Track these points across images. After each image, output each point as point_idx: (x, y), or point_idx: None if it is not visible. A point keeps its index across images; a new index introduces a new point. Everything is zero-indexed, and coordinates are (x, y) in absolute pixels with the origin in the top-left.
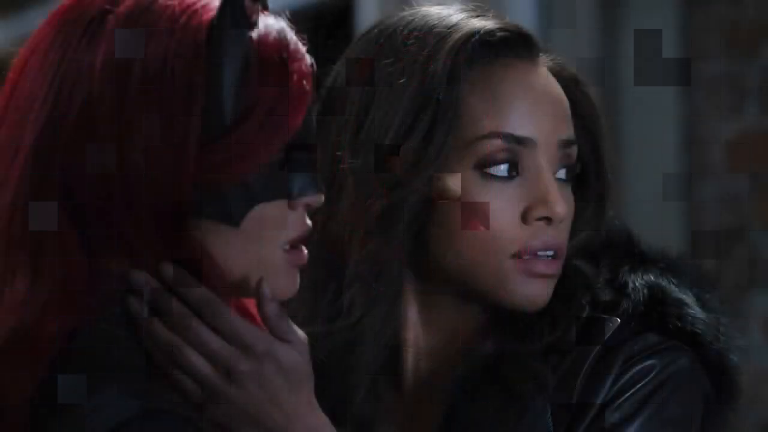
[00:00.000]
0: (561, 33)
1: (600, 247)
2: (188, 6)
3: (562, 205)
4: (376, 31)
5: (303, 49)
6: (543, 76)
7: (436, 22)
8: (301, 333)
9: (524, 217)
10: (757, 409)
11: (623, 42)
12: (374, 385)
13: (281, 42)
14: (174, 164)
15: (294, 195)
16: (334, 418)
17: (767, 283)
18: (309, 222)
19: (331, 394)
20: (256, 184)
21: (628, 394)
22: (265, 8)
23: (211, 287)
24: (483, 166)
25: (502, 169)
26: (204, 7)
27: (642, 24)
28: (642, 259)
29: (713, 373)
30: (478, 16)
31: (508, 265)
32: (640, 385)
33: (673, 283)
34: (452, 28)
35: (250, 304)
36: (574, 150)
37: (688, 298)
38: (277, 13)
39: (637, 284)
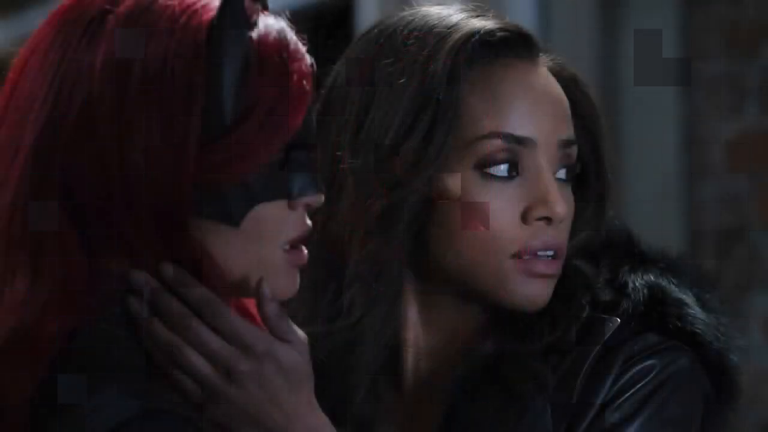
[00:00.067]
0: (561, 33)
1: (600, 247)
2: (188, 6)
3: (562, 205)
4: (376, 31)
5: (303, 49)
6: (543, 76)
7: (436, 22)
8: (301, 333)
9: (524, 217)
10: (757, 409)
11: (623, 42)
12: (374, 385)
13: (281, 42)
14: (174, 164)
15: (294, 195)
16: (334, 418)
17: (767, 283)
18: (309, 222)
19: (331, 394)
20: (256, 184)
21: (628, 394)
22: (265, 8)
23: (211, 287)
24: (483, 166)
25: (502, 169)
26: (204, 7)
27: (642, 24)
28: (642, 259)
29: (713, 373)
30: (478, 16)
31: (508, 265)
32: (640, 385)
33: (673, 283)
34: (452, 28)
35: (250, 304)
36: (574, 150)
37: (688, 298)
38: (277, 13)
39: (637, 284)
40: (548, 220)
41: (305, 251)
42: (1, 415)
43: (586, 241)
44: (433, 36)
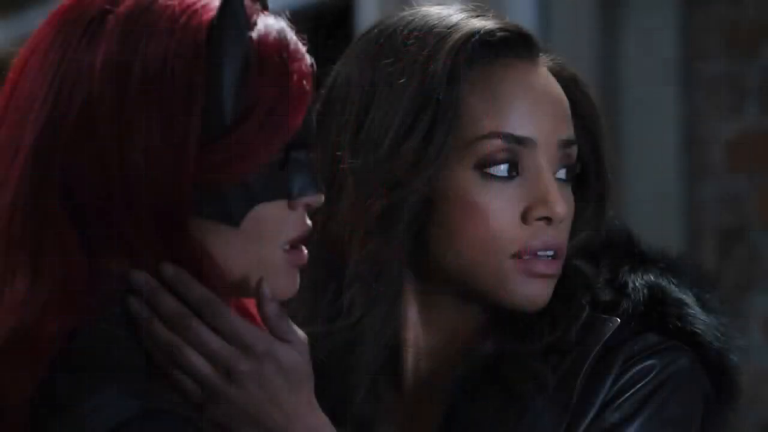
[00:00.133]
0: (561, 33)
1: (600, 247)
2: (188, 6)
3: (562, 205)
4: (376, 31)
5: (303, 49)
6: (543, 76)
7: (436, 22)
8: (301, 333)
9: (524, 217)
10: (757, 409)
11: (623, 42)
12: (374, 385)
13: (281, 42)
14: (174, 164)
15: (294, 195)
16: (334, 418)
17: (767, 283)
18: (309, 222)
19: (331, 394)
20: (256, 184)
21: (628, 394)
22: (265, 8)
23: (211, 287)
24: (483, 166)
25: (502, 169)
26: (204, 7)
27: (642, 24)
28: (642, 259)
29: (713, 373)
30: (478, 16)
31: (508, 265)
32: (640, 385)
33: (673, 283)
34: (452, 28)
35: (250, 304)
36: (574, 150)
37: (688, 298)
38: (277, 13)
39: (637, 284)
40: (548, 220)
41: (305, 251)
42: (1, 415)
43: (586, 241)
44: (433, 36)
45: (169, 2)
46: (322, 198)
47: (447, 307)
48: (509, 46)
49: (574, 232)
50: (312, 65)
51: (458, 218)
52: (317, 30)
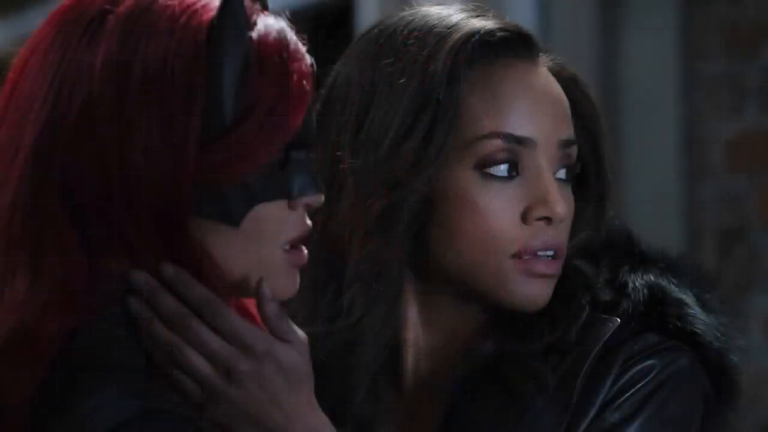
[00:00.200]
0: (561, 33)
1: (600, 247)
2: (188, 6)
3: (562, 205)
4: (376, 31)
5: (303, 49)
6: (543, 76)
7: (436, 22)
8: (301, 333)
9: (524, 217)
10: (757, 409)
11: (623, 42)
12: (374, 385)
13: (281, 42)
14: (174, 164)
15: (294, 195)
16: (334, 418)
17: (767, 283)
18: (309, 222)
19: (331, 394)
20: (256, 184)
21: (628, 394)
22: (265, 8)
23: (211, 287)
24: (483, 166)
25: (502, 169)
26: (204, 7)
27: (642, 24)
28: (642, 259)
29: (713, 373)
30: (478, 16)
31: (508, 265)
32: (640, 385)
33: (673, 283)
34: (452, 28)
35: (250, 304)
36: (574, 150)
37: (688, 298)
38: (277, 13)
39: (637, 284)
40: (548, 220)
41: (305, 251)
42: (1, 415)
43: (586, 241)
44: (433, 36)
45: (169, 2)
46: (322, 198)
47: (447, 307)
48: (509, 46)
49: (574, 232)
50: (312, 65)
51: (458, 218)
52: (317, 30)
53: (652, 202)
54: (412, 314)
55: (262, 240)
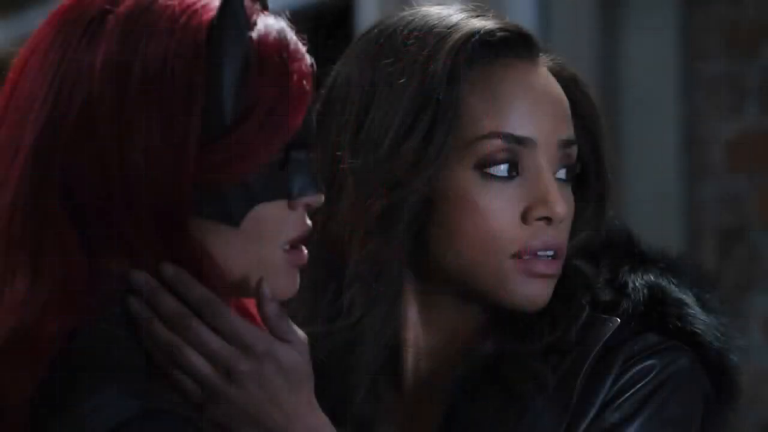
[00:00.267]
0: (561, 33)
1: (600, 247)
2: (188, 6)
3: (562, 205)
4: (376, 31)
5: (303, 49)
6: (543, 76)
7: (436, 22)
8: (301, 333)
9: (524, 217)
10: (757, 409)
11: (623, 42)
12: (374, 385)
13: (281, 42)
14: (174, 164)
15: (294, 195)
16: (334, 418)
17: (767, 283)
18: (309, 222)
19: (331, 394)
20: (256, 184)
21: (628, 394)
22: (265, 8)
23: (211, 287)
24: (483, 166)
25: (502, 169)
26: (204, 7)
27: (642, 24)
28: (642, 259)
29: (713, 373)
30: (478, 16)
31: (508, 265)
32: (640, 385)
33: (673, 283)
34: (452, 28)
35: (250, 304)
36: (574, 150)
37: (688, 298)
38: (277, 13)
39: (637, 284)
40: (548, 220)
41: (305, 251)
42: (1, 415)
43: (586, 241)
44: (433, 36)
45: (169, 2)
46: (322, 198)
47: (447, 307)
48: (509, 46)
49: (574, 232)
50: (312, 65)
51: (458, 218)
52: (317, 30)
53: (652, 202)
54: (412, 314)
55: (262, 240)
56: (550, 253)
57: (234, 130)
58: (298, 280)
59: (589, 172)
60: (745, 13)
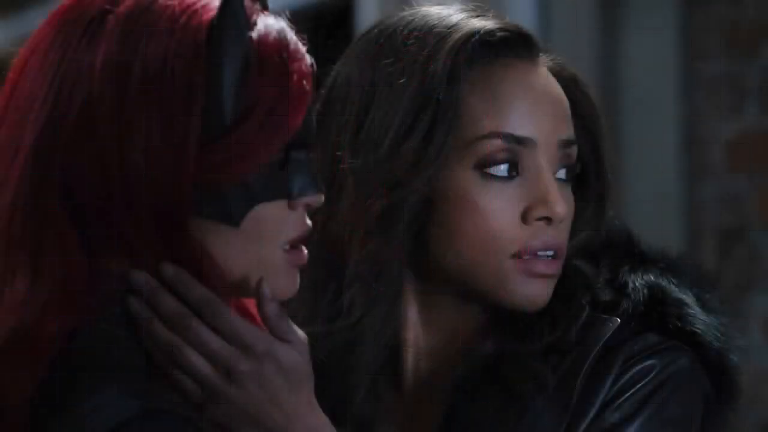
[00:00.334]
0: (561, 33)
1: (600, 247)
2: (188, 6)
3: (562, 205)
4: (376, 31)
5: (303, 49)
6: (543, 76)
7: (436, 22)
8: (301, 333)
9: (524, 217)
10: (757, 409)
11: (623, 42)
12: (374, 385)
13: (281, 42)
14: (174, 164)
15: (294, 195)
16: (334, 418)
17: (767, 283)
18: (309, 222)
19: (331, 394)
20: (256, 184)
21: (628, 394)
22: (265, 8)
23: (211, 287)
24: (483, 166)
25: (502, 169)
26: (204, 7)
27: (642, 24)
28: (642, 259)
29: (713, 373)
30: (478, 16)
31: (508, 265)
32: (640, 385)
33: (673, 283)
34: (452, 28)
35: (250, 304)
36: (574, 150)
37: (688, 298)
38: (277, 13)
39: (637, 284)
40: (548, 220)
41: (305, 251)
42: (1, 415)
43: (586, 241)
44: (433, 36)
45: (169, 2)
46: (322, 198)
47: (447, 307)
48: (509, 46)
49: (574, 232)
50: (312, 65)
51: (458, 218)
52: (317, 30)
53: (652, 202)
54: (412, 314)
55: (262, 240)
56: (550, 253)
57: (234, 130)
58: (298, 280)
59: (589, 172)
60: (745, 13)
